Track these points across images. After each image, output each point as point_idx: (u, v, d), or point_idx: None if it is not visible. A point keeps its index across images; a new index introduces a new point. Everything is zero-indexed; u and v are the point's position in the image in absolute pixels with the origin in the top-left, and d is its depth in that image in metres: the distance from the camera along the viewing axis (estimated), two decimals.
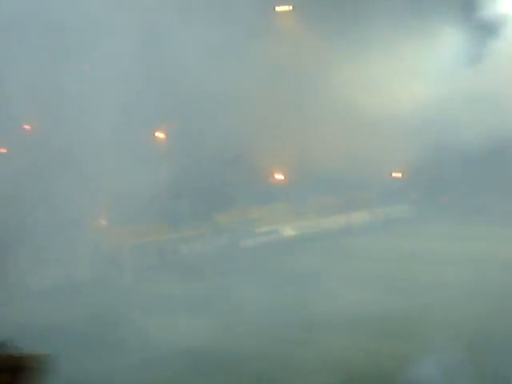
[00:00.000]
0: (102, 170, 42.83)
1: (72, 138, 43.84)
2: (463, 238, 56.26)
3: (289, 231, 60.73)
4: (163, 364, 30.60)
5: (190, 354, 31.92)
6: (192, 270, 48.41)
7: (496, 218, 59.61)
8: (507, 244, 52.32)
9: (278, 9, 56.33)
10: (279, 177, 60.19)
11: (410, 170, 62.46)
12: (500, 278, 44.01)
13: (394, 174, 64.02)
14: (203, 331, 35.37)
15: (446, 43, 52.33)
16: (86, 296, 42.87)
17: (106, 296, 42.63)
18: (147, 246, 49.46)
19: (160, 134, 55.88)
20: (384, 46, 49.56)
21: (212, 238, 55.46)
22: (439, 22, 51.96)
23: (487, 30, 52.66)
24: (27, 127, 51.28)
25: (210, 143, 50.06)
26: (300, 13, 55.14)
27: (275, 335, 36.06)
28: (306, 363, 31.55)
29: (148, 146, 52.25)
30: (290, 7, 56.59)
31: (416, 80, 50.60)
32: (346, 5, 49.78)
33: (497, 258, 49.24)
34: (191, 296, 41.55)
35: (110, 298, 41.76)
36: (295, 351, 33.25)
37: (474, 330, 34.10)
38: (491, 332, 32.84)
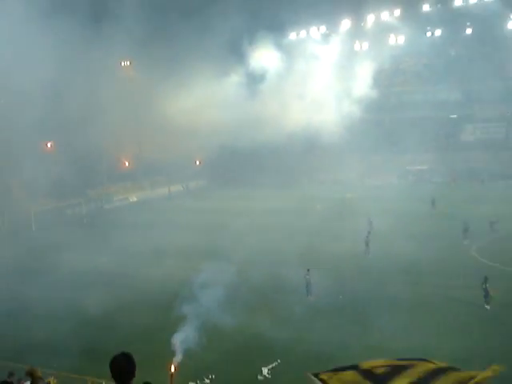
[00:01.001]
0: None
1: None
2: (245, 198, 72.72)
3: (134, 198, 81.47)
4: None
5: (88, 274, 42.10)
6: (74, 223, 64.00)
7: (266, 187, 75.93)
8: (273, 200, 68.39)
9: (122, 64, 76.23)
10: (127, 164, 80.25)
11: (206, 159, 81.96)
12: (272, 219, 56.82)
13: (197, 162, 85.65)
14: (89, 259, 46.17)
15: (233, 84, 68.49)
16: None
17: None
18: (49, 210, 67.71)
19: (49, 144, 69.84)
20: (194, 83, 64.04)
21: (86, 204, 74.80)
22: (229, 70, 69.12)
23: (257, 76, 70.80)
24: None
25: (88, 145, 62.10)
26: (137, 65, 73.78)
27: (131, 259, 46.19)
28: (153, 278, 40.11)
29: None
30: (129, 62, 75.93)
31: (213, 106, 65.08)
32: (170, 57, 62.22)
33: (268, 209, 62.90)
34: (79, 238, 52.83)
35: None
36: (150, 271, 42.13)
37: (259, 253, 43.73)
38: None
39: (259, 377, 25.17)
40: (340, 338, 28.35)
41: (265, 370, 25.43)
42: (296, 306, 32.84)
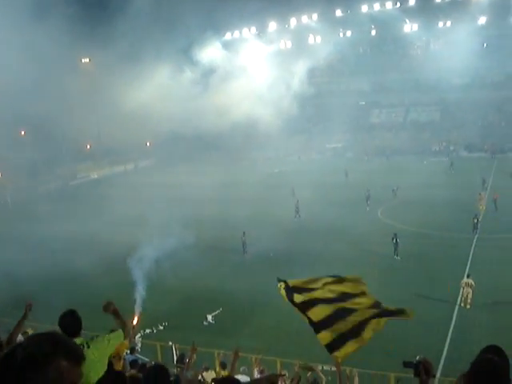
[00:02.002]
0: None
1: None
2: (191, 174, 71.61)
3: (95, 175, 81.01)
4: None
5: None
6: (44, 198, 62.00)
7: (208, 165, 77.23)
8: (213, 176, 66.01)
9: (83, 60, 76.63)
10: (89, 147, 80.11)
11: (157, 142, 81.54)
12: (214, 192, 54.25)
13: (147, 144, 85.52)
14: (58, 228, 45.12)
15: (180, 78, 70.75)
16: None
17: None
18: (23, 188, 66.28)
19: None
20: (146, 77, 66.42)
21: (55, 181, 73.48)
22: (176, 65, 70.48)
23: (201, 71, 73.05)
24: None
25: (55, 131, 64.65)
26: (96, 62, 73.86)
27: (93, 227, 45.37)
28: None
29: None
30: (88, 59, 76.09)
31: (168, 98, 66.60)
32: (127, 54, 62.31)
33: (209, 183, 59.84)
34: (49, 211, 51.67)
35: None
36: (113, 238, 40.56)
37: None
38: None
39: (205, 322, 25.39)
40: (270, 287, 28.23)
41: (209, 317, 25.66)
42: (234, 262, 33.70)
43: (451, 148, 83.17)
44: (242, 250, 35.96)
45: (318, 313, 7.36)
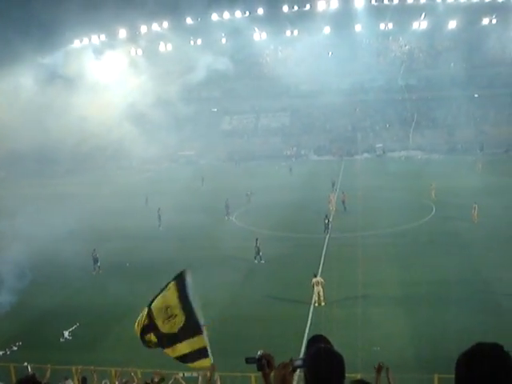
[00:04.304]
0: None
1: None
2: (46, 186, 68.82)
3: None
4: None
5: None
6: None
7: (58, 177, 74.98)
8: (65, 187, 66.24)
9: None
10: None
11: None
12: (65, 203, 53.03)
13: None
14: None
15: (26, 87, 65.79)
16: None
17: None
18: None
19: None
20: None
21: None
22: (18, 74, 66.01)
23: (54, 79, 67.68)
24: None
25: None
26: None
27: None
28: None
29: None
30: None
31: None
32: None
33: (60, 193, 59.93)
34: None
35: None
36: None
37: None
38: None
39: (61, 339, 24.43)
40: (127, 297, 27.74)
41: (66, 333, 24.75)
42: (86, 278, 32.49)
43: (302, 152, 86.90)
44: (92, 267, 34.12)
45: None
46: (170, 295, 7.68)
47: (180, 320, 7.54)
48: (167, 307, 7.67)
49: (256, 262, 33.75)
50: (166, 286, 7.88)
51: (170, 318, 7.64)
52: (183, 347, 7.39)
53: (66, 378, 15.00)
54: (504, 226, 37.36)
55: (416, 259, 32.60)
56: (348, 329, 22.75)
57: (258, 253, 33.82)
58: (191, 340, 7.35)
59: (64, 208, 49.44)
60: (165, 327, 7.61)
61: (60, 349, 23.24)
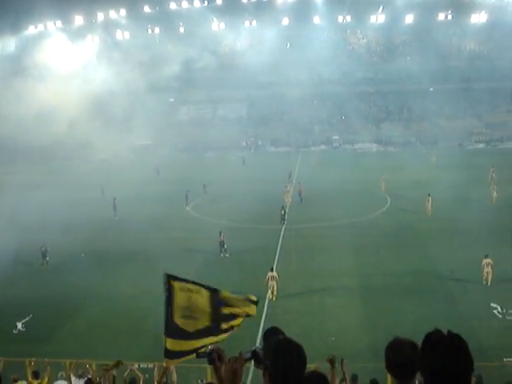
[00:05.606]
0: None
1: None
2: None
3: None
4: None
5: None
6: None
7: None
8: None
9: None
10: None
11: None
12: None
13: None
14: None
15: None
16: None
17: None
18: None
19: None
20: None
21: None
22: None
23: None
24: None
25: None
26: None
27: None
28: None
29: None
30: None
31: None
32: None
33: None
34: None
35: None
36: None
37: None
38: None
39: (14, 331, 23.99)
40: (81, 289, 27.70)
41: (19, 324, 24.34)
42: (36, 272, 31.78)
43: (259, 143, 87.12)
44: (41, 261, 32.98)
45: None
46: (201, 299, 7.39)
47: (201, 324, 7.25)
48: (189, 307, 7.36)
49: (222, 255, 33.33)
50: (197, 289, 7.48)
51: (185, 316, 7.35)
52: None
53: (16, 381, 14.69)
54: (456, 219, 38.07)
55: (371, 250, 33.10)
56: (304, 320, 22.98)
57: (222, 246, 33.46)
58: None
59: (14, 198, 47.01)
60: (178, 319, 7.30)
61: (13, 341, 22.77)
